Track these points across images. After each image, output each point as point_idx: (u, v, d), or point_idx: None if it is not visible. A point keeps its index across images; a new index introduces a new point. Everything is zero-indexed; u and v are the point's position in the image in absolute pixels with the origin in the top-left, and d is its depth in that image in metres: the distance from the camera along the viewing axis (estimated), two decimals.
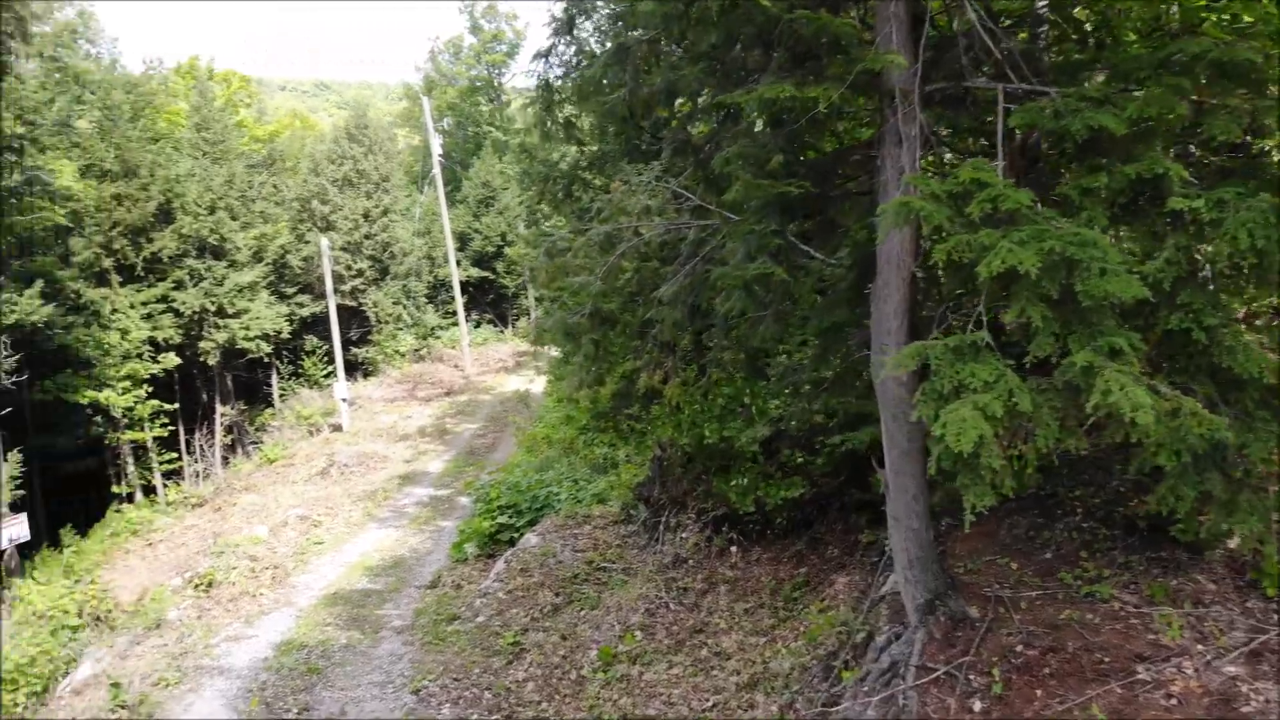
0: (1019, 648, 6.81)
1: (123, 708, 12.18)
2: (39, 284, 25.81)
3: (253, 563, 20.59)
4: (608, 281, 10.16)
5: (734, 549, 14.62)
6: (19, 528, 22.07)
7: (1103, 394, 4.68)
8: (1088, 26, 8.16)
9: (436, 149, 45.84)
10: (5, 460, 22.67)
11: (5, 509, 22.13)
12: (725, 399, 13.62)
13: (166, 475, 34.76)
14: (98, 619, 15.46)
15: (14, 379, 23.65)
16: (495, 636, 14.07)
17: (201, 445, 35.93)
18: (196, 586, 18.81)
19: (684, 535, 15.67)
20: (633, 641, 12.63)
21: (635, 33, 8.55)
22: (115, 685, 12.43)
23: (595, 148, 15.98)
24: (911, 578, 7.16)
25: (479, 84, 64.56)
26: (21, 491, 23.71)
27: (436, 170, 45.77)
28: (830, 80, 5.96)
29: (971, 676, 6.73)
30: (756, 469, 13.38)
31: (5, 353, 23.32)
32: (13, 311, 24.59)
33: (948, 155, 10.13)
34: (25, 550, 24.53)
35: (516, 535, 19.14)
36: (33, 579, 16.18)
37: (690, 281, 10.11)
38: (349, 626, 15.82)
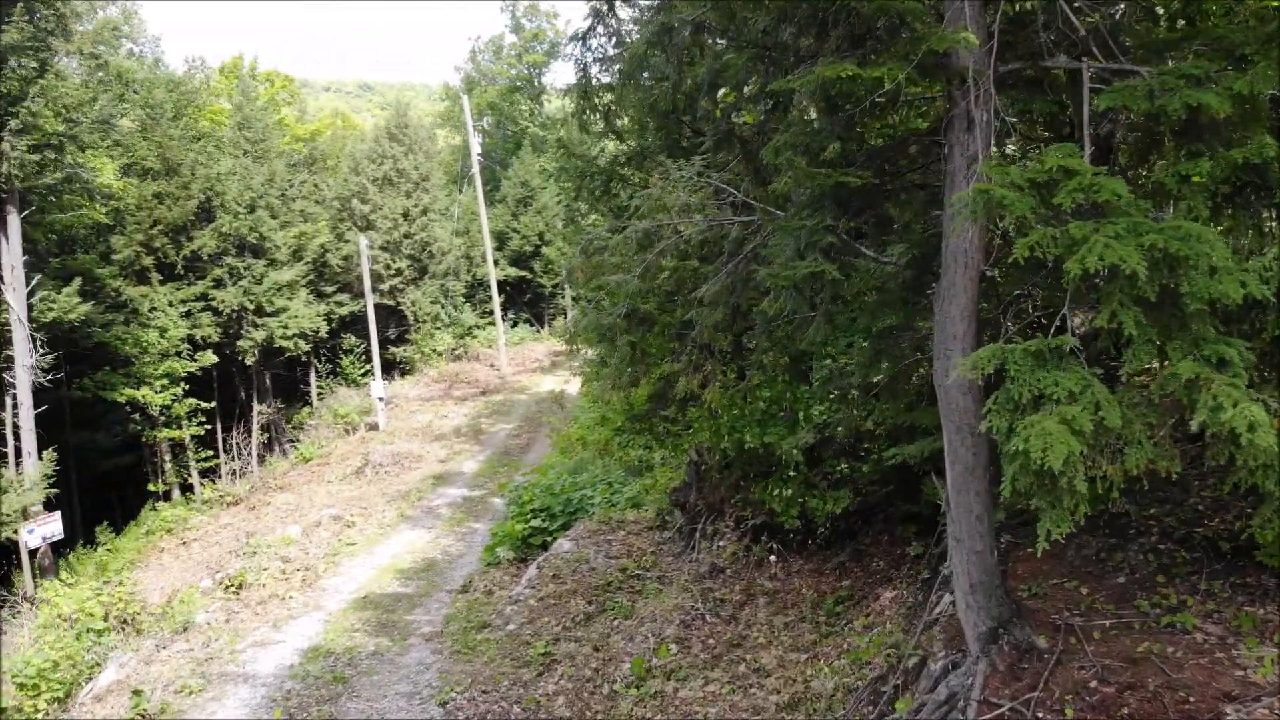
0: (1093, 684, 6.19)
1: (143, 716, 11.89)
2: (77, 281, 25.89)
3: (284, 564, 20.38)
4: (645, 280, 9.68)
5: (773, 559, 14.08)
6: (53, 526, 22.05)
7: (1212, 410, 4.10)
8: (1159, 10, 7.55)
9: (475, 147, 45.65)
10: (40, 458, 22.69)
11: (39, 507, 22.15)
12: (766, 403, 13.08)
13: (203, 473, 34.88)
14: (124, 622, 15.21)
15: (50, 377, 23.64)
16: (526, 646, 13.64)
17: (238, 443, 36.01)
18: (227, 588, 18.60)
19: (721, 543, 15.17)
20: (667, 655, 12.13)
21: (680, 15, 8.04)
22: (136, 693, 12.12)
23: (634, 143, 15.53)
24: (973, 604, 6.57)
25: (519, 84, 64.40)
26: (55, 490, 23.70)
27: (475, 169, 45.58)
28: (894, 60, 5.42)
29: (1040, 715, 6.14)
30: (799, 478, 12.82)
31: (42, 350, 23.32)
32: (50, 309, 24.63)
33: (1010, 147, 9.53)
34: (61, 547, 24.58)
35: (549, 539, 18.74)
36: (60, 580, 15.97)
37: (732, 281, 9.61)
38: (377, 633, 15.48)
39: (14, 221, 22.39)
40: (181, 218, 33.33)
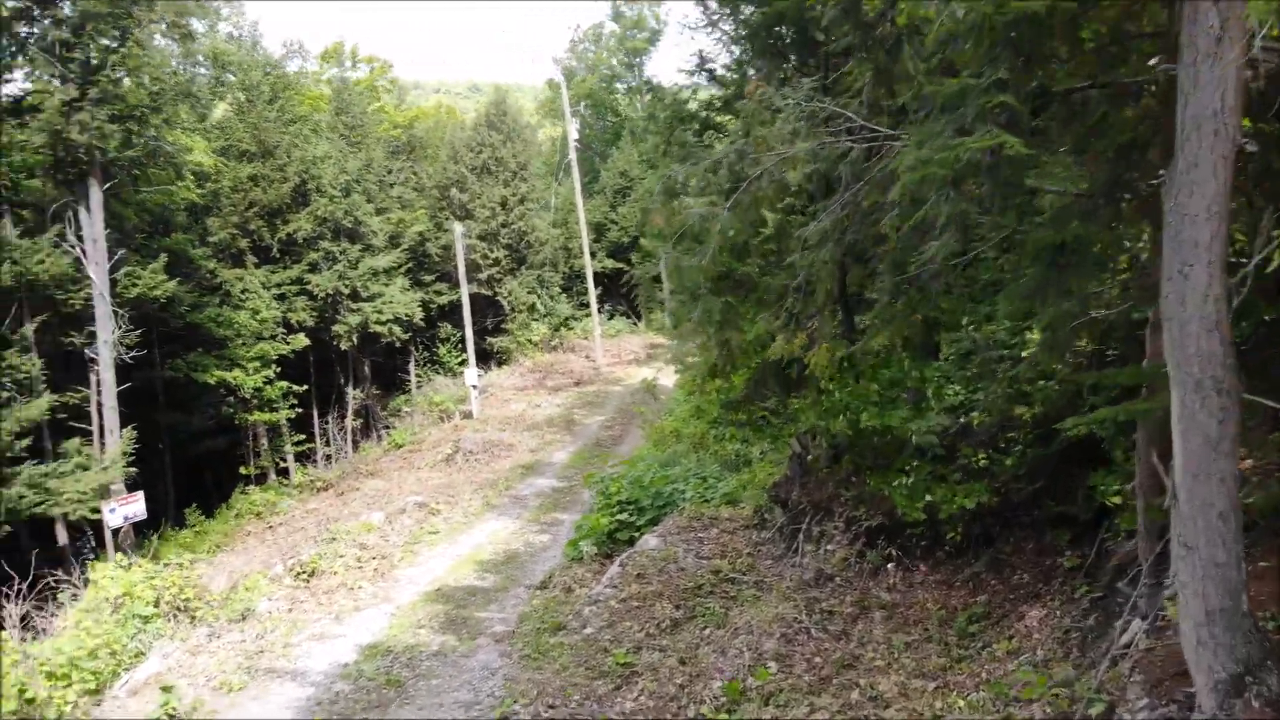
0: None
1: (171, 716, 10.67)
2: (162, 258, 25.43)
3: (361, 551, 19.37)
4: (739, 216, 7.84)
5: (891, 566, 12.10)
6: (135, 506, 21.56)
7: None
8: None
9: (573, 133, 44.60)
10: (120, 437, 22.19)
11: (120, 486, 21.64)
12: (885, 383, 11.06)
13: (297, 457, 34.63)
14: (178, 609, 14.17)
15: (132, 354, 23.15)
16: (603, 654, 11.96)
17: (332, 429, 35.65)
18: (297, 575, 17.55)
19: (829, 547, 13.23)
20: (766, 677, 10.26)
21: None
22: (166, 689, 10.92)
23: (731, 89, 13.72)
24: (1209, 638, 4.55)
25: (619, 70, 63.12)
26: (135, 469, 23.21)
27: (572, 154, 44.46)
28: None
29: None
30: (926, 468, 10.77)
31: (125, 326, 22.83)
32: (134, 285, 24.20)
33: None
34: (145, 528, 24.20)
35: (636, 535, 17.09)
36: (117, 561, 15.07)
37: (847, 214, 7.70)
38: (445, 630, 14.08)
39: (95, 194, 21.90)
40: (277, 200, 33.07)
